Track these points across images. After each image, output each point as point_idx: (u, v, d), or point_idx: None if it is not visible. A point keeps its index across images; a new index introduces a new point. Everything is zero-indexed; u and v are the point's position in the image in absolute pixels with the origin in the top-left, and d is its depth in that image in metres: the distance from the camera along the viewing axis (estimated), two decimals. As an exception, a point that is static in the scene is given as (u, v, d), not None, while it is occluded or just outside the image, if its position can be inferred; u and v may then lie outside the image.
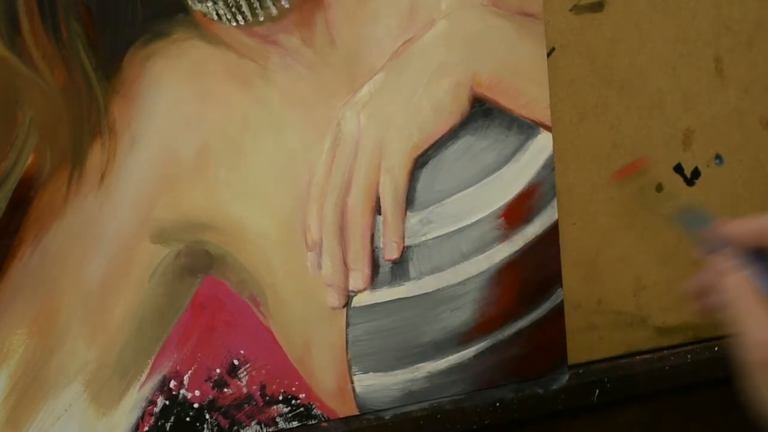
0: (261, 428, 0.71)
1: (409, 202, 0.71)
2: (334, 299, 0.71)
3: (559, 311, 0.77)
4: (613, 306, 0.80)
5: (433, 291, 0.73)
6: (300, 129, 0.69)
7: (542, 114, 0.73)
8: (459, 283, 0.73)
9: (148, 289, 0.67)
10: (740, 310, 0.61)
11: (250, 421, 0.71)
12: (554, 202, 0.75)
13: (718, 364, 0.80)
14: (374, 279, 0.72)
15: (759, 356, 0.60)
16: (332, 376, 0.72)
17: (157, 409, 0.69)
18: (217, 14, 0.65)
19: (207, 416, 0.70)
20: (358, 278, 0.71)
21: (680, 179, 0.81)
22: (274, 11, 0.67)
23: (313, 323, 0.71)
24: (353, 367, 0.73)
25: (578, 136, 0.77)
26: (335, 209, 0.70)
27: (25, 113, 0.63)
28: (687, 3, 0.77)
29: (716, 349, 0.83)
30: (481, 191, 0.73)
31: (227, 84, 0.67)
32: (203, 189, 0.67)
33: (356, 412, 0.73)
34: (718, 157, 0.81)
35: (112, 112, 0.65)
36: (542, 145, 0.74)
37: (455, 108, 0.71)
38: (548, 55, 0.74)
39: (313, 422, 0.72)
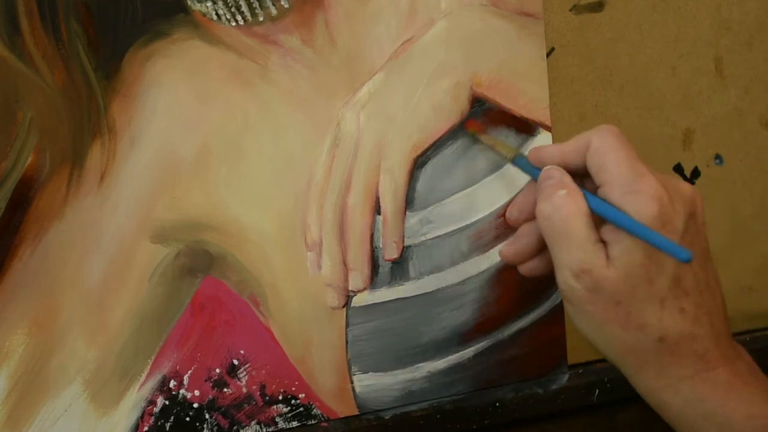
0: (261, 428, 0.72)
1: (409, 202, 0.71)
2: (333, 299, 0.71)
3: (559, 311, 0.77)
4: (613, 306, 0.80)
5: (433, 291, 0.73)
6: (300, 129, 0.69)
7: (542, 114, 0.73)
8: (459, 283, 0.74)
9: (148, 289, 0.68)
10: (562, 233, 0.57)
11: (250, 421, 0.71)
12: (554, 202, 0.75)
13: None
14: (374, 279, 0.72)
15: (579, 285, 0.57)
16: (332, 376, 0.72)
17: (156, 409, 0.69)
18: (217, 14, 0.66)
19: (207, 416, 0.70)
20: (357, 278, 0.71)
21: (680, 179, 0.81)
22: (274, 11, 0.67)
23: (313, 323, 0.71)
24: (353, 367, 0.73)
25: (578, 136, 0.77)
26: (335, 209, 0.70)
27: (25, 113, 0.63)
28: (687, 3, 0.77)
29: (716, 349, 0.83)
30: (481, 191, 0.73)
31: (227, 84, 0.67)
32: (203, 189, 0.67)
33: (356, 412, 0.73)
34: (718, 157, 0.81)
35: (112, 112, 0.65)
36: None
37: (455, 108, 0.71)
38: (548, 55, 0.74)
39: (313, 422, 0.72)
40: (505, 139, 0.73)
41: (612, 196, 0.58)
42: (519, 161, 0.66)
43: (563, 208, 0.58)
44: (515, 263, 0.64)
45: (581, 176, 0.61)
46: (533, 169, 0.64)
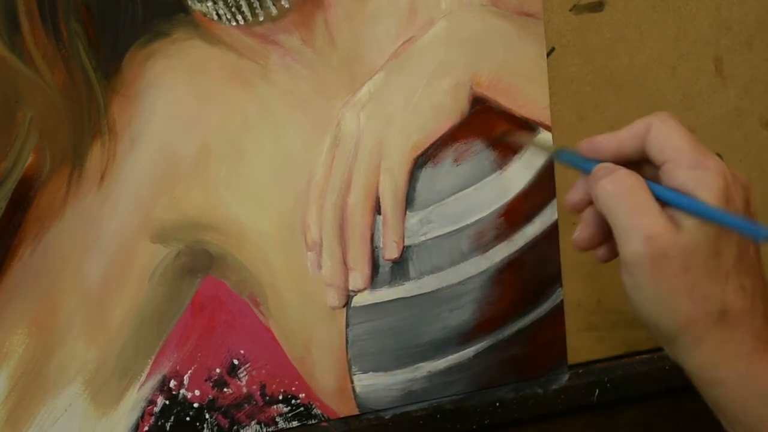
0: (261, 428, 0.72)
1: (409, 201, 0.71)
2: (334, 299, 0.71)
3: (559, 311, 0.77)
4: (613, 306, 0.80)
5: (433, 291, 0.73)
6: (300, 129, 0.69)
7: (542, 114, 0.73)
8: (459, 283, 0.74)
9: (148, 289, 0.68)
10: (627, 202, 0.58)
11: (250, 421, 0.71)
12: (554, 202, 0.75)
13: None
14: (374, 279, 0.72)
15: (646, 251, 0.57)
16: (332, 376, 0.72)
17: (157, 409, 0.69)
18: (217, 14, 0.66)
19: (207, 416, 0.70)
20: (357, 278, 0.71)
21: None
22: (274, 11, 0.67)
23: (313, 323, 0.71)
24: (353, 367, 0.73)
25: (578, 136, 0.76)
26: (335, 209, 0.70)
27: (25, 113, 0.63)
28: (687, 3, 0.77)
29: (716, 349, 0.83)
30: (481, 191, 0.73)
31: (227, 84, 0.67)
32: (203, 189, 0.67)
33: (356, 412, 0.73)
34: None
35: (112, 112, 0.65)
36: (542, 145, 0.74)
37: (455, 108, 0.71)
38: (548, 55, 0.74)
39: (313, 422, 0.72)
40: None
41: (678, 173, 0.58)
42: (563, 155, 0.65)
43: (626, 180, 0.58)
44: (588, 249, 0.63)
45: (636, 165, 0.61)
46: (583, 162, 0.63)
